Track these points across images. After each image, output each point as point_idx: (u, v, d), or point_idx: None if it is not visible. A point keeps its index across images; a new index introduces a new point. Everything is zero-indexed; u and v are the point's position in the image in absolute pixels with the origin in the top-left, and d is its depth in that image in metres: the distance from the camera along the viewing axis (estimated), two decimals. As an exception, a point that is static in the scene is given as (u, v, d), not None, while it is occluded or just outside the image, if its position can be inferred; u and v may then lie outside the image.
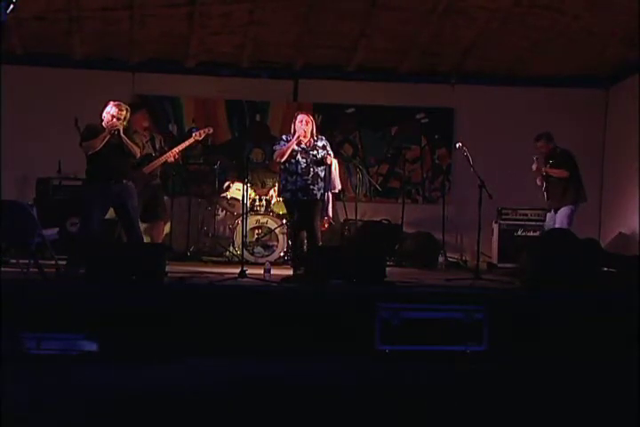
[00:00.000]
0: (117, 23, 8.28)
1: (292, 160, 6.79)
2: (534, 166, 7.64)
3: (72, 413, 3.94)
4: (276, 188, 8.32)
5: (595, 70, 9.41)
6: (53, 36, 8.52)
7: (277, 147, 6.88)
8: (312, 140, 6.85)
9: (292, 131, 6.85)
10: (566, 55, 8.90)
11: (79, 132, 6.62)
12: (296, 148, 6.77)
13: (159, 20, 8.29)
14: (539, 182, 7.73)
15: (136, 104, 7.93)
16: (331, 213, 7.16)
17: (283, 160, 6.81)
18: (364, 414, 4.08)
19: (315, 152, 6.81)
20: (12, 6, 4.09)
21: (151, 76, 9.33)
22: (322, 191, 6.80)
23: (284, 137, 6.91)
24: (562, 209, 7.56)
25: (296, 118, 6.87)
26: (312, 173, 6.77)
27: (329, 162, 6.83)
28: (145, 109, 7.86)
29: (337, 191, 7.46)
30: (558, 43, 8.56)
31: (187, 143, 7.60)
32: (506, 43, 8.75)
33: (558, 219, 7.55)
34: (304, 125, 6.78)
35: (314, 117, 7.02)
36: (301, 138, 6.76)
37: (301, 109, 7.73)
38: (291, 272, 6.78)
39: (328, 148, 6.92)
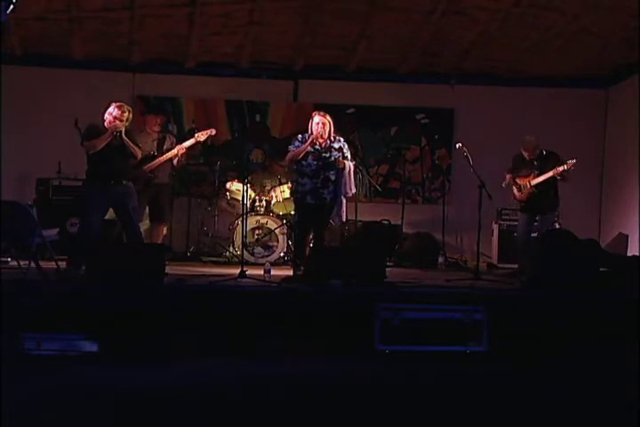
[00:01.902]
0: (118, 24, 8.27)
1: (304, 162, 6.67)
2: (511, 182, 7.51)
3: (72, 413, 3.94)
4: (277, 188, 8.34)
5: (595, 70, 9.40)
6: (53, 36, 8.50)
7: (292, 147, 6.75)
8: (328, 142, 6.70)
9: (309, 131, 6.69)
10: (566, 55, 8.88)
11: (79, 133, 6.62)
12: (309, 148, 6.64)
13: (159, 20, 8.27)
14: (516, 192, 7.51)
15: (155, 108, 7.99)
16: (344, 218, 6.93)
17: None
18: (363, 414, 4.08)
19: (327, 154, 6.66)
20: (12, 6, 4.09)
21: (151, 76, 9.32)
22: (331, 195, 6.67)
23: (299, 137, 6.76)
24: (551, 213, 7.49)
25: (313, 119, 6.70)
26: (322, 177, 6.65)
27: (341, 165, 6.65)
28: (163, 115, 7.92)
29: (350, 195, 6.95)
30: (558, 43, 8.55)
31: (188, 144, 7.60)
32: (506, 43, 8.73)
33: (549, 223, 7.48)
34: (320, 128, 6.62)
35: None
36: (317, 140, 6.63)
37: (301, 110, 7.69)
38: (291, 273, 6.78)
39: (345, 149, 6.76)
